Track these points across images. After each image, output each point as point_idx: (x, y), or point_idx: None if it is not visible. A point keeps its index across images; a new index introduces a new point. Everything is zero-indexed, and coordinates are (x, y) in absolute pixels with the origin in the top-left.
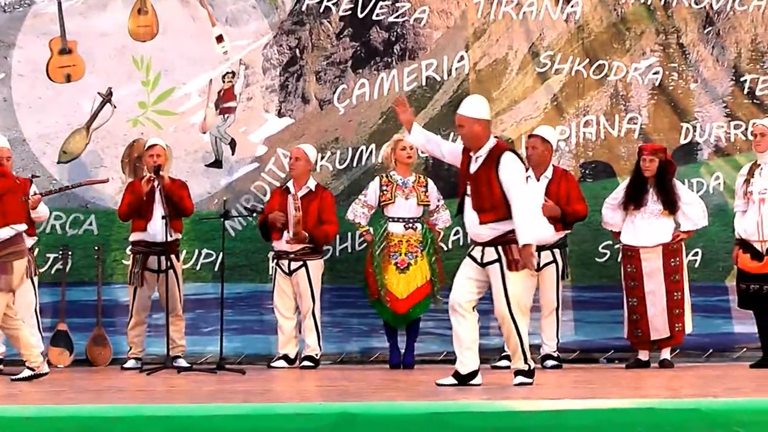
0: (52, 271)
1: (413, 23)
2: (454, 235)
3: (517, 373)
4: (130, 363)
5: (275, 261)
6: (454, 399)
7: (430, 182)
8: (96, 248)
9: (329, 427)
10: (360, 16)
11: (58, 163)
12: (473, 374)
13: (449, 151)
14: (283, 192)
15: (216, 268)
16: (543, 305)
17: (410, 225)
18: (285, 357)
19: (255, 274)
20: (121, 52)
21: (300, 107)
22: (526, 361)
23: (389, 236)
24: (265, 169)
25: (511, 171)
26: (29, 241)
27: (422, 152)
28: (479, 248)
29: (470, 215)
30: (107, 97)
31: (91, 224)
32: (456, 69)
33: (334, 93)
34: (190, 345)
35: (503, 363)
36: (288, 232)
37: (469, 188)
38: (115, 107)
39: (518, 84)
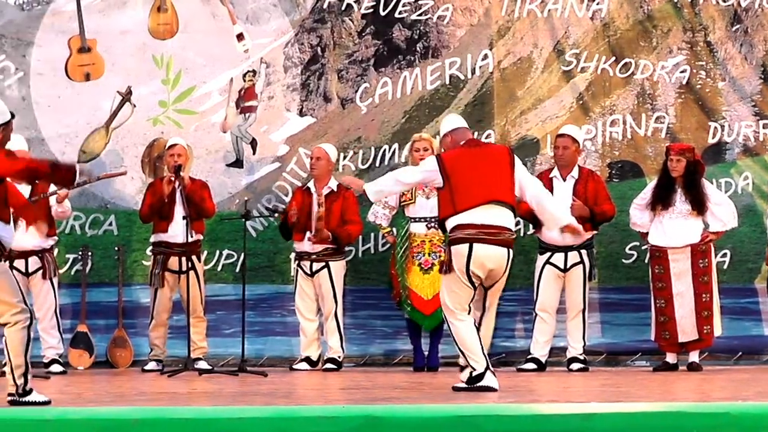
0: (72, 272)
1: (436, 21)
2: None
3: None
4: (151, 365)
5: (297, 262)
6: (480, 402)
7: None
8: (117, 249)
9: (353, 430)
10: (382, 13)
11: (78, 162)
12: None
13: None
14: (305, 192)
15: (237, 270)
16: (569, 307)
17: (432, 224)
18: (307, 359)
19: (277, 275)
20: (141, 51)
21: (322, 106)
22: (468, 364)
23: (412, 237)
24: (287, 168)
25: None
26: (49, 242)
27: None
28: None
29: None
30: (127, 96)
31: (111, 225)
32: (480, 67)
33: (356, 92)
34: (212, 347)
35: (529, 366)
36: (310, 230)
37: None
38: (135, 106)
39: (543, 83)
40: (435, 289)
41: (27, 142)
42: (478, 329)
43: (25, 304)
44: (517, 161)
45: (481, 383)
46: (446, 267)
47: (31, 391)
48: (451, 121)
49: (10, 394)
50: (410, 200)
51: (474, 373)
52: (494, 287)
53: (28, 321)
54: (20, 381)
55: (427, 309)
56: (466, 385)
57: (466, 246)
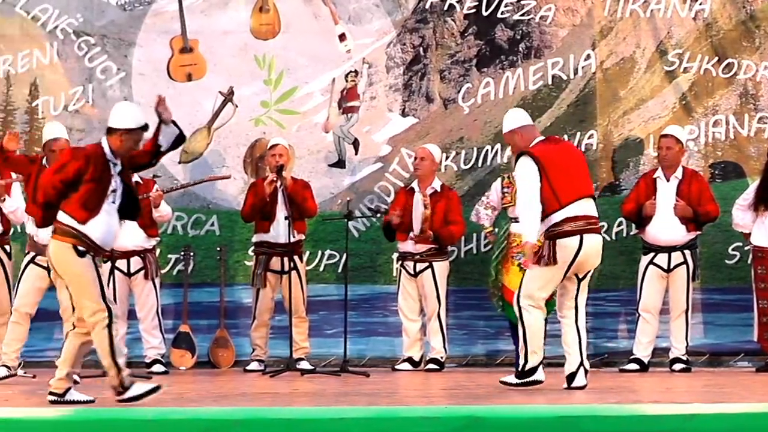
0: (174, 272)
1: (539, 21)
2: None
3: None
4: (253, 365)
5: (400, 262)
6: (583, 402)
7: None
8: (219, 249)
9: (456, 431)
10: (485, 14)
11: (180, 163)
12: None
13: None
14: (408, 192)
15: (340, 270)
16: (672, 307)
17: None
18: (410, 359)
19: (379, 275)
20: (244, 51)
21: (424, 106)
22: (525, 358)
23: (511, 237)
24: (389, 169)
25: (516, 174)
26: (151, 242)
27: None
28: None
29: None
30: (229, 97)
31: (213, 225)
32: (582, 68)
33: (458, 92)
34: (314, 347)
35: (632, 366)
36: (413, 231)
37: None
38: (237, 106)
39: (646, 83)
40: None
41: None
42: (578, 330)
43: (104, 301)
44: None
45: (533, 377)
46: (548, 259)
47: (130, 386)
48: (519, 117)
49: (115, 391)
50: (510, 203)
51: (528, 367)
52: (587, 277)
53: (107, 320)
54: (115, 382)
55: None
56: (517, 380)
57: (577, 238)
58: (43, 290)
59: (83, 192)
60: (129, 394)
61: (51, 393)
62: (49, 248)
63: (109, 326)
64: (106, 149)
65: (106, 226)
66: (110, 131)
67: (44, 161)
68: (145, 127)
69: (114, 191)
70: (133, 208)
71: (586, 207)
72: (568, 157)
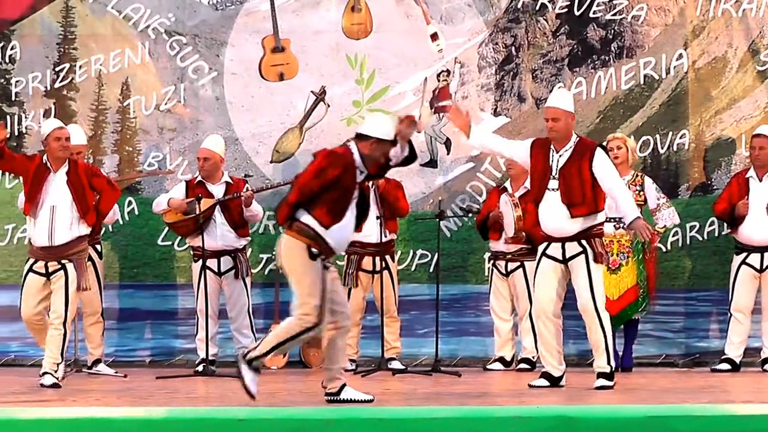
0: (266, 272)
1: (631, 21)
2: (673, 236)
3: (600, 375)
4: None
5: (492, 262)
6: (674, 402)
7: (648, 180)
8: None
9: (548, 431)
10: (576, 13)
11: (271, 162)
12: (562, 377)
13: (515, 149)
14: (501, 191)
15: (431, 269)
16: (764, 307)
17: (621, 224)
18: (501, 359)
19: (471, 275)
20: (335, 51)
21: (516, 106)
22: (608, 362)
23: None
24: (481, 168)
25: (607, 165)
26: (242, 242)
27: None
28: (558, 245)
29: (555, 210)
30: (321, 96)
31: None
32: (674, 67)
33: (550, 91)
34: (405, 347)
35: (723, 366)
36: (506, 232)
37: (553, 183)
38: (328, 106)
39: (738, 82)
40: (621, 289)
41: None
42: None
43: (320, 310)
44: None
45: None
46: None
47: (255, 371)
48: (573, 103)
49: (244, 359)
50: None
51: (612, 370)
52: None
53: (311, 324)
54: (252, 355)
55: (612, 309)
56: (612, 382)
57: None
58: (46, 293)
59: (333, 198)
60: (245, 378)
61: (327, 393)
62: (281, 242)
63: (307, 330)
64: (356, 156)
65: (345, 231)
66: (362, 138)
67: (44, 158)
68: (394, 142)
69: (355, 198)
70: (363, 214)
71: None
72: None
